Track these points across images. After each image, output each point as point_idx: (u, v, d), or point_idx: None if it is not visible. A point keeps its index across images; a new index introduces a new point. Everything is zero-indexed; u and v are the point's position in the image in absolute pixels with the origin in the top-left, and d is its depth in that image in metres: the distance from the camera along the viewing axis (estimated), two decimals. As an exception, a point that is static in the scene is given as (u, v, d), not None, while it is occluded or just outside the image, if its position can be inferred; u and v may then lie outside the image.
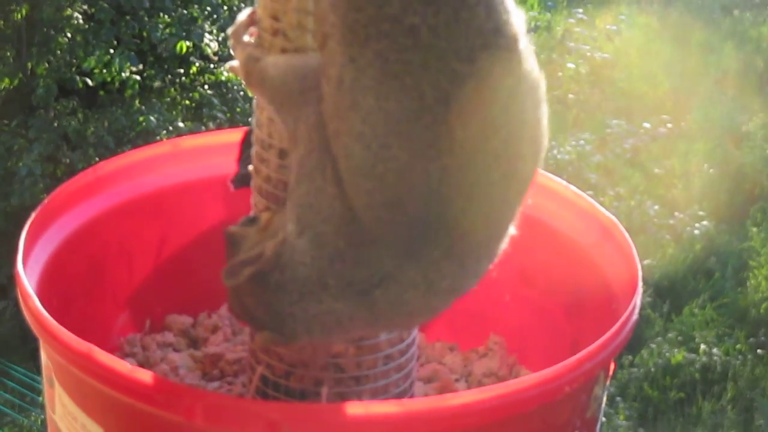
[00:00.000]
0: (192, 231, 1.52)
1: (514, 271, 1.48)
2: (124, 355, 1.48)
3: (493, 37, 1.06)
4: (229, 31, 1.26)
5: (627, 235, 1.36)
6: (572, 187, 1.45)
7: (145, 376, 1.12)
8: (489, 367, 1.50)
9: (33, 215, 1.36)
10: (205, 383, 1.45)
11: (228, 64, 1.28)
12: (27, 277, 1.27)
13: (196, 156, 1.52)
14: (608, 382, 1.27)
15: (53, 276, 1.35)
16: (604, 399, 1.28)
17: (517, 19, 1.08)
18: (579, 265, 1.42)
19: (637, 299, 1.26)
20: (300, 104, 1.11)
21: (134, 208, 1.48)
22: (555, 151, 7.53)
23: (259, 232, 1.18)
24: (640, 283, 1.29)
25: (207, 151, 1.52)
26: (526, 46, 1.09)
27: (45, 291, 1.30)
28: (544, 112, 1.12)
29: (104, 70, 6.89)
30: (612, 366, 1.27)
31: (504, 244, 1.15)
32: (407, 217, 1.07)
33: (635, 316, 1.24)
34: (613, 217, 1.39)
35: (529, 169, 1.12)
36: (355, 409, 1.12)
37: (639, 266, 1.31)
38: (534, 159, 1.12)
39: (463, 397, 1.13)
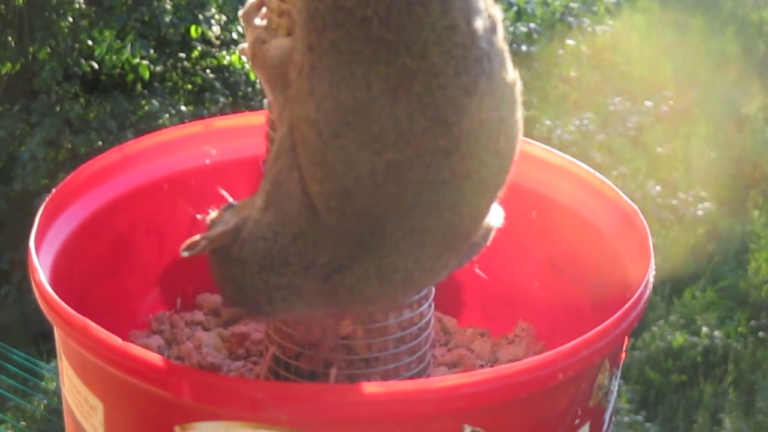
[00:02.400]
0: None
1: (543, 257, 1.49)
2: (151, 332, 1.49)
3: (447, 34, 1.05)
4: (240, 13, 1.27)
5: (646, 225, 1.34)
6: (598, 174, 1.44)
7: (138, 351, 1.13)
8: (515, 353, 1.49)
9: (53, 191, 1.36)
10: (229, 362, 1.45)
11: (240, 47, 1.30)
12: (43, 253, 1.28)
13: (227, 136, 1.52)
14: (618, 371, 1.24)
15: (74, 252, 1.35)
16: (615, 388, 1.25)
17: (483, 17, 1.08)
18: (602, 254, 1.41)
19: (647, 291, 1.24)
20: (290, 85, 1.12)
21: (163, 188, 1.48)
22: (558, 131, 7.53)
23: (231, 214, 1.20)
24: (650, 275, 1.26)
25: (239, 132, 1.52)
26: (492, 43, 1.08)
27: (64, 267, 1.31)
28: (513, 112, 1.11)
29: (114, 57, 6.88)
30: (623, 354, 1.26)
31: (479, 239, 1.15)
32: (355, 209, 1.08)
33: (639, 307, 1.22)
34: (635, 206, 1.38)
35: (490, 170, 1.10)
36: (338, 389, 1.13)
37: (653, 260, 1.29)
38: (497, 159, 1.10)
39: (449, 380, 1.11)
